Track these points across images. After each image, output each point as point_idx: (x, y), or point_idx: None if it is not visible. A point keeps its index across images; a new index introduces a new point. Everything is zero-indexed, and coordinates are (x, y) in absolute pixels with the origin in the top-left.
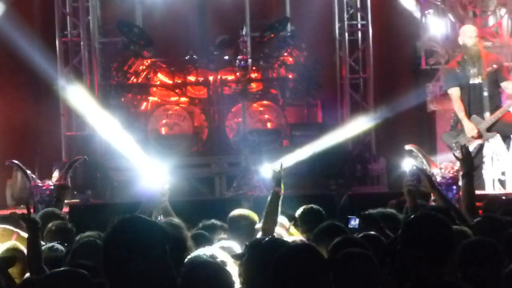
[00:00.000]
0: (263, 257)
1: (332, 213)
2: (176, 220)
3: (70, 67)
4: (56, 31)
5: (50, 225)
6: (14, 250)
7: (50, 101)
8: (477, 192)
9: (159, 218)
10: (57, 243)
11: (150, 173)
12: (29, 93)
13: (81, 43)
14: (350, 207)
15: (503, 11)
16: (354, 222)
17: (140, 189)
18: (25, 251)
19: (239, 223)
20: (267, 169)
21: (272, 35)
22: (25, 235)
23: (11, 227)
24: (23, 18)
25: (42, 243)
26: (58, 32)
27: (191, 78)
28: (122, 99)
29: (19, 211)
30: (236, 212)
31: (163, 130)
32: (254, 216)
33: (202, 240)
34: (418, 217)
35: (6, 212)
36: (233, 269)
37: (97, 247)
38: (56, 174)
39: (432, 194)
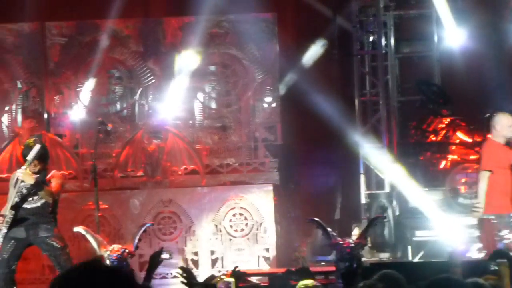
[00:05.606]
0: None
1: None
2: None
3: (369, 126)
4: (355, 90)
5: (361, 284)
6: None
7: (349, 159)
8: None
9: None
10: None
11: (450, 233)
12: (329, 151)
13: (380, 102)
14: None
15: None
16: None
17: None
18: None
19: None
20: None
21: None
22: None
23: None
24: (323, 78)
25: None
26: (357, 91)
27: None
28: (421, 158)
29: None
30: None
31: (463, 189)
32: None
33: None
34: None
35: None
36: None
37: None
38: (355, 232)
39: None
